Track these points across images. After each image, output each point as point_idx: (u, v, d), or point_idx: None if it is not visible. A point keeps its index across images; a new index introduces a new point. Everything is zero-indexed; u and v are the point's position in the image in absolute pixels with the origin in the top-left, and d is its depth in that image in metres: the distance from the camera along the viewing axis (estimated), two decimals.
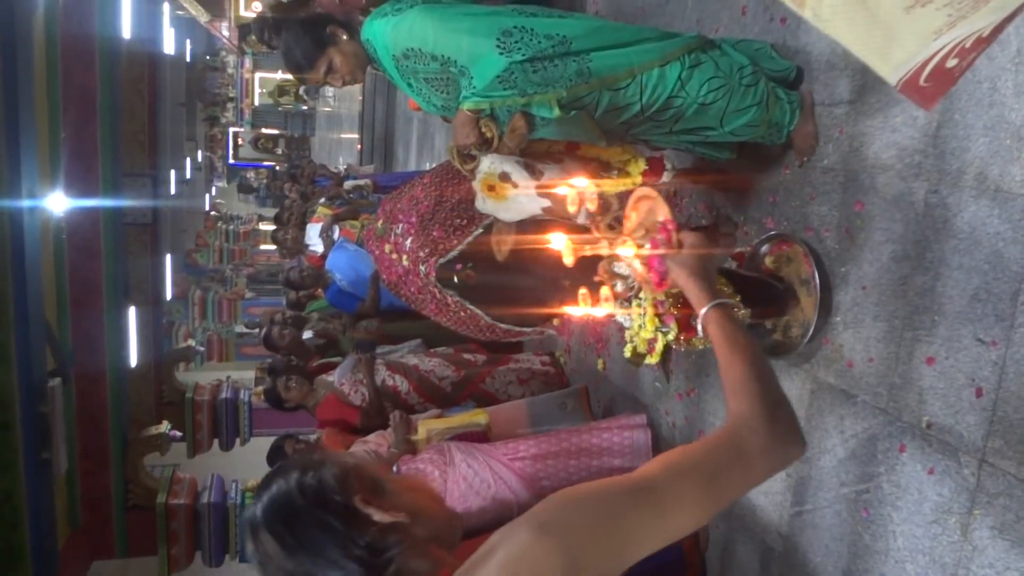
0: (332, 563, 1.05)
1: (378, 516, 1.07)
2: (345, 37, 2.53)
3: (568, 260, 1.59)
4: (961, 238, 2.06)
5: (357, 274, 4.85)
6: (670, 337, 2.37)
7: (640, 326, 2.39)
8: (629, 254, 1.46)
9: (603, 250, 1.54)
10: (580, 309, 1.60)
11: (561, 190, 1.65)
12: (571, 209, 1.66)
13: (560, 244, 1.58)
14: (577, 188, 1.60)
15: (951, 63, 1.21)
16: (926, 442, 2.14)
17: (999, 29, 1.18)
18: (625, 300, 2.44)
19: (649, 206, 1.50)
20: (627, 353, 2.50)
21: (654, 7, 3.67)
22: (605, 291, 1.54)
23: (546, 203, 2.39)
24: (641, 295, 2.38)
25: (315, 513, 1.06)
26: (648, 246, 1.46)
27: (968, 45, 1.18)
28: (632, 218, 1.53)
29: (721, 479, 1.09)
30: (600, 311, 1.52)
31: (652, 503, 1.03)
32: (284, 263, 7.42)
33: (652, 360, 2.48)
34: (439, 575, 1.08)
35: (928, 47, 1.18)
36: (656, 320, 2.35)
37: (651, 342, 2.42)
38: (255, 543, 1.09)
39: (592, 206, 1.57)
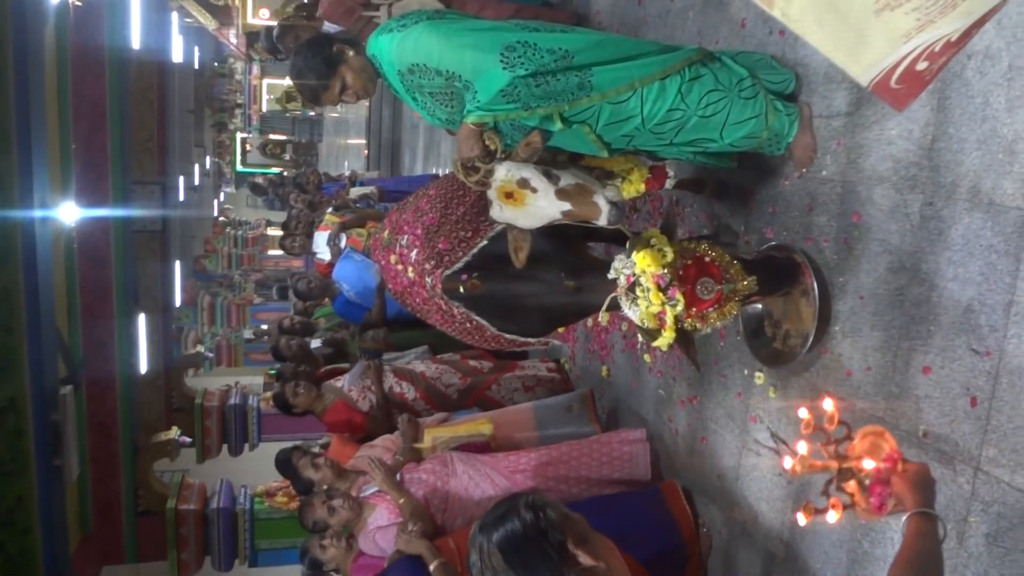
0: None
1: (583, 558, 1.33)
2: (352, 53, 2.58)
3: (797, 469, 1.75)
4: (955, 250, 2.10)
5: (364, 284, 4.89)
6: (679, 309, 2.40)
7: (647, 304, 2.42)
8: (869, 466, 1.66)
9: (832, 470, 1.73)
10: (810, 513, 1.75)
11: (801, 466, 1.84)
12: (795, 469, 1.88)
13: (796, 458, 1.74)
14: (809, 462, 1.80)
15: (921, 66, 1.25)
16: (923, 450, 2.18)
17: (968, 34, 1.23)
18: (629, 290, 2.48)
19: (873, 441, 1.70)
20: (641, 327, 2.53)
21: (655, 19, 3.71)
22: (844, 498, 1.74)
23: (566, 206, 2.43)
24: (642, 280, 2.41)
25: (539, 543, 1.34)
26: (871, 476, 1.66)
27: (938, 49, 1.22)
28: (857, 448, 1.73)
29: None
30: (832, 517, 1.71)
31: None
32: (292, 268, 7.54)
33: (668, 336, 2.46)
34: None
35: (898, 50, 1.22)
36: (661, 295, 2.39)
37: (660, 316, 2.44)
38: (481, 555, 1.38)
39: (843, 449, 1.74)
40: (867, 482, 1.66)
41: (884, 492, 1.63)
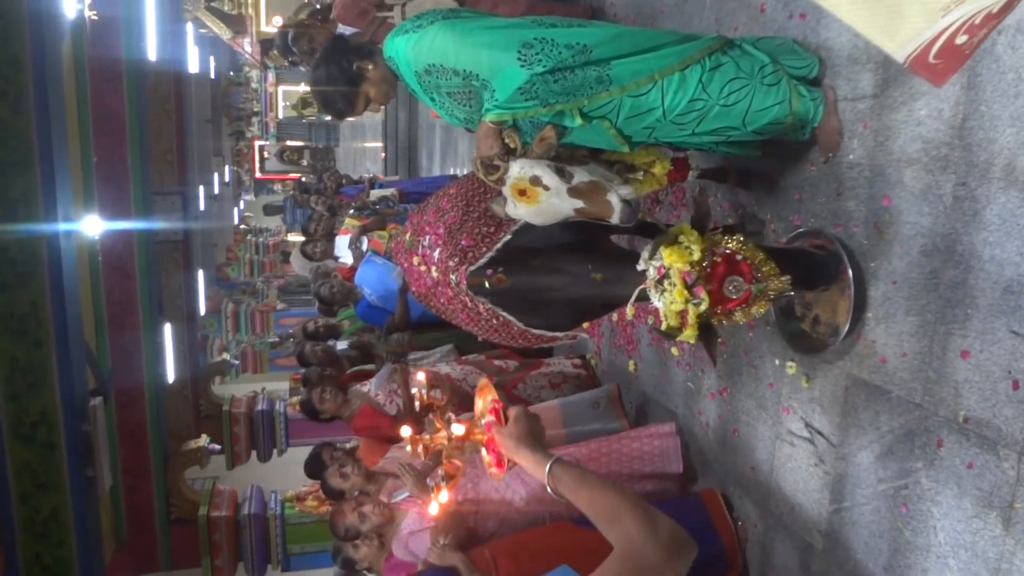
0: None
1: None
2: (371, 67, 2.59)
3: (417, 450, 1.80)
4: (991, 230, 2.05)
5: (386, 288, 4.90)
6: (702, 308, 2.37)
7: (671, 301, 2.39)
8: (480, 450, 1.69)
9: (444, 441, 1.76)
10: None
11: (413, 446, 1.83)
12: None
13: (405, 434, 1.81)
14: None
15: (961, 39, 1.21)
16: (964, 436, 2.13)
17: (1009, 5, 1.18)
18: (658, 282, 2.45)
19: (481, 395, 1.72)
20: (663, 328, 2.50)
21: (672, 7, 3.67)
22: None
23: (579, 204, 2.40)
24: (670, 274, 2.39)
25: None
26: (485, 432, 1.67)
27: (978, 21, 1.18)
28: (478, 405, 1.72)
29: None
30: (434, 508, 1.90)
31: None
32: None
33: (688, 334, 2.44)
34: None
35: (936, 24, 1.18)
36: (685, 292, 2.36)
37: (682, 314, 2.41)
38: None
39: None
40: (484, 438, 1.66)
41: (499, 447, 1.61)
